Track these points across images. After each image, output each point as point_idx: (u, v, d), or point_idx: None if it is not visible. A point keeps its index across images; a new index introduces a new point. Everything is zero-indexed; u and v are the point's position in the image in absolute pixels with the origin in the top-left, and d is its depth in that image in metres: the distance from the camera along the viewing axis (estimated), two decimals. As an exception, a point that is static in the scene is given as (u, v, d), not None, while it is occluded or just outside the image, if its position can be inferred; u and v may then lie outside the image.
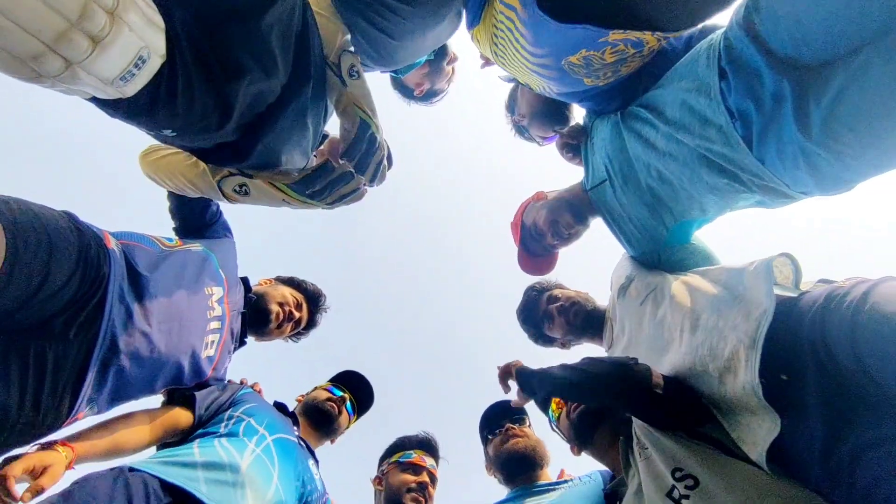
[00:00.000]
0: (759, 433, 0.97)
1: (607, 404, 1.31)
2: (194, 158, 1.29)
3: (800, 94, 1.02)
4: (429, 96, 1.96)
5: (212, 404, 1.43)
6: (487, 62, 1.74)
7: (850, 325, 0.90)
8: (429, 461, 1.79)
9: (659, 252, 1.60)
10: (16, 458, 1.01)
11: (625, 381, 1.23)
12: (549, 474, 1.72)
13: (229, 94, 1.00)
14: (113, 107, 0.88)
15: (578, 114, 1.87)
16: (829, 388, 0.94)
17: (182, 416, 1.37)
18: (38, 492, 0.99)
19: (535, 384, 1.35)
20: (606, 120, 1.60)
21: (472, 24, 1.49)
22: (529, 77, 1.51)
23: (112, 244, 1.14)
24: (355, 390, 1.82)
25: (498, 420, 1.80)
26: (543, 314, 1.86)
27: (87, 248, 1.05)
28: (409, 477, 1.70)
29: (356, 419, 1.83)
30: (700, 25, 1.25)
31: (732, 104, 1.14)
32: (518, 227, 1.90)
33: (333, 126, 1.45)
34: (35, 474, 1.00)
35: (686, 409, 1.17)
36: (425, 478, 1.71)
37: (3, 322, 0.93)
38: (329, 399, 1.71)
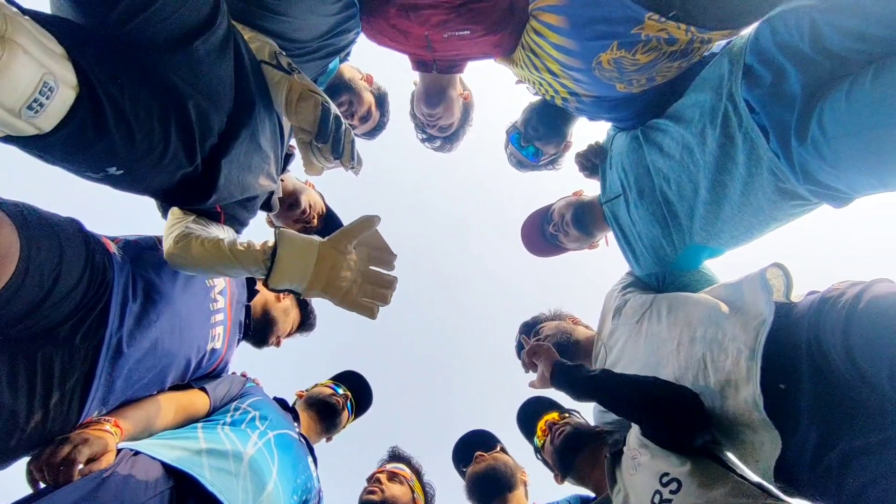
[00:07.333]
0: (761, 452, 1.00)
1: (645, 421, 1.22)
2: (209, 235, 1.13)
3: (808, 98, 1.02)
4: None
5: (224, 395, 1.44)
6: (521, 81, 1.71)
7: (844, 320, 0.92)
8: None
9: (665, 275, 1.59)
10: (80, 438, 0.98)
11: (685, 411, 1.14)
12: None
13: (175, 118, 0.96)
14: (40, 147, 0.82)
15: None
16: (822, 393, 0.96)
17: (202, 405, 1.37)
18: (86, 474, 0.97)
19: (577, 386, 1.27)
20: (626, 134, 1.57)
21: (511, 51, 1.51)
22: (560, 87, 1.50)
23: (113, 248, 1.11)
24: (355, 390, 1.82)
25: (468, 452, 1.79)
26: None
27: (93, 254, 1.03)
28: None
29: (353, 419, 1.84)
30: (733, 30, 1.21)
31: (752, 99, 1.15)
32: (548, 208, 1.95)
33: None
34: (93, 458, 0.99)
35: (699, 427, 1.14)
36: None
37: (11, 328, 0.91)
38: (333, 394, 1.72)
